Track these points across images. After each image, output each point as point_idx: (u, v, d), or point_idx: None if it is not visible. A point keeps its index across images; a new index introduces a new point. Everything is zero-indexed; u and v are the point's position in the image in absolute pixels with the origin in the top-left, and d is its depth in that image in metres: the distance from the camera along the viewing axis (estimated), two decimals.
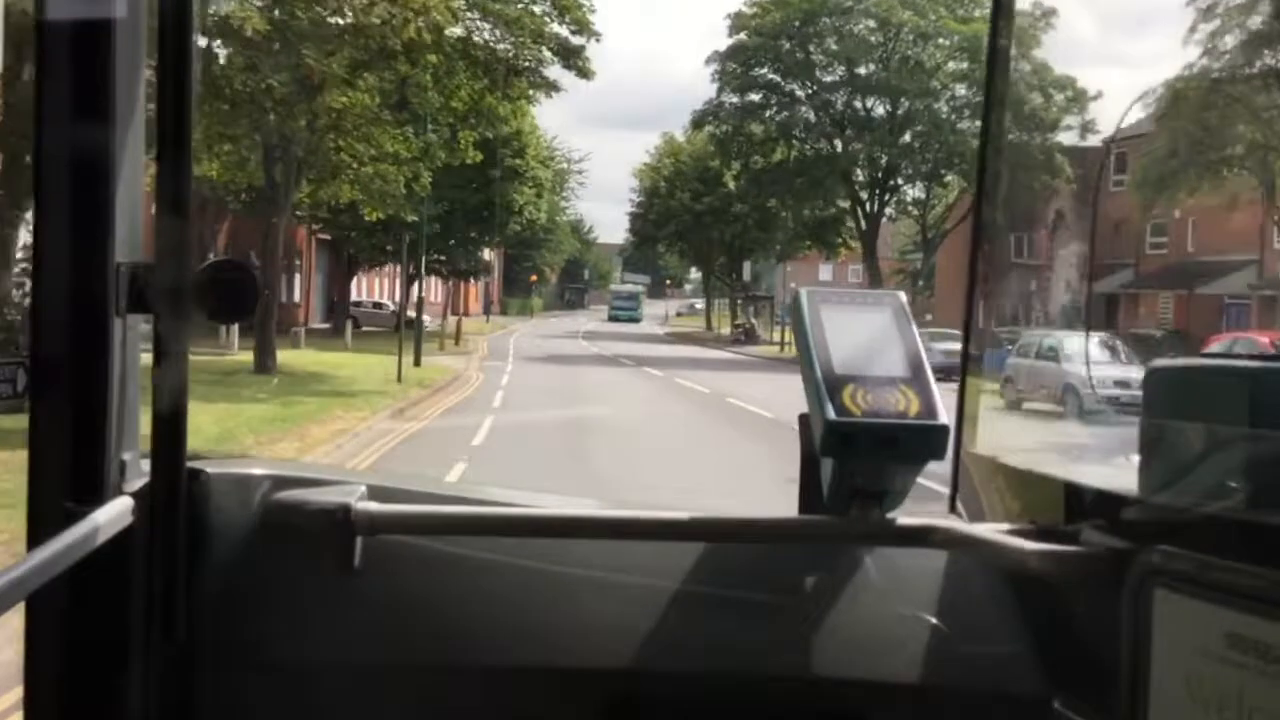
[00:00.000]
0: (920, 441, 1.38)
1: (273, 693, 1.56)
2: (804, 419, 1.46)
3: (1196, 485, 1.29)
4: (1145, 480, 1.36)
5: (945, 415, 1.39)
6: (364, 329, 54.86)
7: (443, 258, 52.72)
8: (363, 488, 1.56)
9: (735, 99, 51.62)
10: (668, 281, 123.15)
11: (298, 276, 54.64)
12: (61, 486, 1.42)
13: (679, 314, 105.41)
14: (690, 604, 1.59)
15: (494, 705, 1.59)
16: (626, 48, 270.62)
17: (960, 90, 45.58)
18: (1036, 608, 1.54)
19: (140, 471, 1.47)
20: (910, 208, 50.74)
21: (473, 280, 76.44)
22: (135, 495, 1.45)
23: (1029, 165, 45.74)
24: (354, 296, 59.62)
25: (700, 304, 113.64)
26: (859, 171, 50.39)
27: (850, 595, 1.60)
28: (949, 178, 48.43)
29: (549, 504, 1.72)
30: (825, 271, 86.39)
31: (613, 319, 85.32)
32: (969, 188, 44.74)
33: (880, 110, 49.62)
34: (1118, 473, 1.44)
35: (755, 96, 51.04)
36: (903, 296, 1.52)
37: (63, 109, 1.41)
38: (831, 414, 1.37)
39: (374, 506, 1.52)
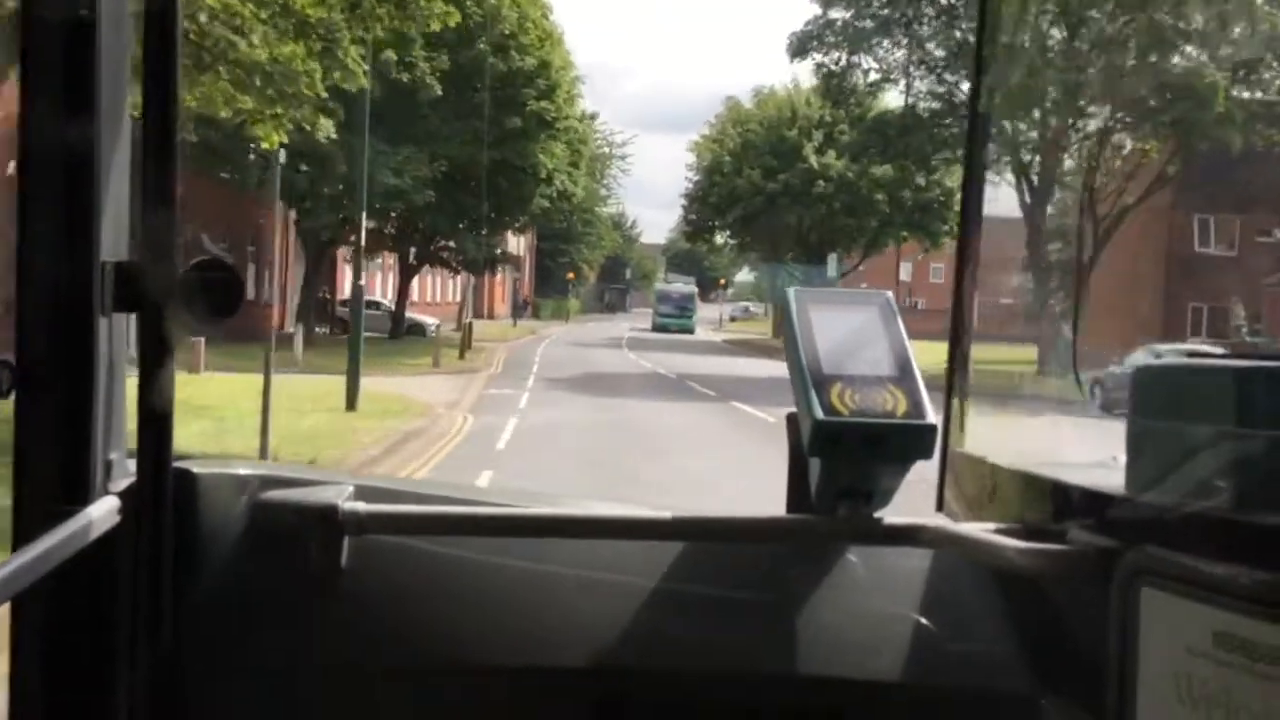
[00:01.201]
0: (908, 441, 1.40)
1: (259, 692, 1.56)
2: (792, 418, 1.48)
3: (1184, 484, 1.26)
4: (1132, 479, 1.32)
5: (933, 414, 1.41)
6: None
7: (451, 244, 40.57)
8: (350, 487, 1.56)
9: (849, 15, 38.69)
10: (721, 282, 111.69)
11: (269, 269, 43.57)
12: (47, 487, 1.42)
13: (733, 318, 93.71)
14: (678, 603, 1.60)
15: (482, 705, 1.59)
16: (668, 48, 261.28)
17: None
18: (1024, 606, 1.55)
19: (126, 471, 1.48)
20: (1068, 176, 37.78)
21: (499, 274, 64.88)
22: (121, 495, 1.45)
23: (1234, 117, 33.74)
24: (348, 293, 48.38)
25: (755, 307, 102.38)
26: (1011, 123, 37.30)
27: (838, 594, 1.61)
28: (1125, 138, 35.47)
29: (537, 504, 1.69)
30: (904, 271, 73.46)
31: (660, 329, 66.13)
32: (1155, 142, 32.53)
33: (1057, 33, 36.48)
34: (1105, 472, 1.38)
35: (881, 9, 37.82)
36: (890, 295, 1.53)
37: (47, 106, 1.40)
38: (820, 413, 1.39)
39: (361, 506, 1.52)
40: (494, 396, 22.84)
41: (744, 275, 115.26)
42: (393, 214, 36.50)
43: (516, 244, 69.92)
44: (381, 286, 50.94)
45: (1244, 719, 1.07)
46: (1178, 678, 1.13)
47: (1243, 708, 1.07)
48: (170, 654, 1.44)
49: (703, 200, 58.05)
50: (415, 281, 55.38)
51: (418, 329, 41.01)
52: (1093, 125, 36.20)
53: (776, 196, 52.47)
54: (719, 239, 66.86)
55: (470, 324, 37.64)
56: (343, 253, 43.27)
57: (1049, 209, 37.47)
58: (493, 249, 42.10)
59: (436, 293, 61.08)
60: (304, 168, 30.77)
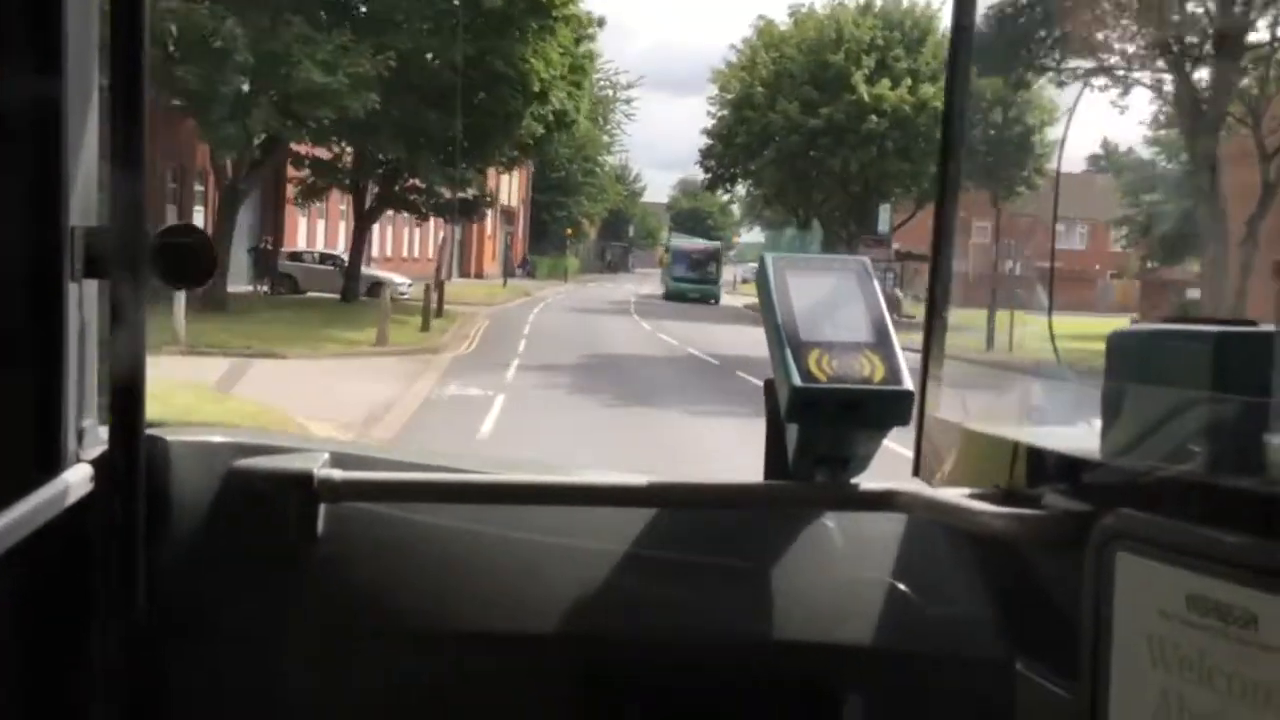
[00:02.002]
0: (885, 407, 1.42)
1: (235, 659, 1.56)
2: (769, 384, 1.49)
3: (1158, 449, 1.29)
4: (1107, 444, 1.35)
5: (909, 380, 1.43)
6: (307, 294, 35.09)
7: (419, 183, 31.88)
8: (326, 455, 1.56)
9: None
10: (736, 238, 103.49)
11: (201, 210, 34.86)
12: (19, 454, 1.41)
13: (745, 280, 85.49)
14: (655, 569, 1.61)
15: (458, 671, 1.59)
16: (669, 4, 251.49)
17: None
18: (999, 571, 1.56)
19: (99, 439, 1.48)
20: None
21: (488, 227, 56.26)
22: (94, 463, 1.45)
23: None
24: (301, 244, 39.90)
25: None
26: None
27: (815, 560, 1.62)
28: None
29: (515, 471, 1.71)
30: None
31: (674, 295, 52.01)
32: None
33: None
34: (1081, 437, 1.40)
35: None
36: (867, 261, 1.54)
37: (13, 69, 1.39)
38: (797, 380, 1.40)
39: (337, 473, 1.53)
40: (445, 405, 14.36)
41: (754, 236, 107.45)
42: (334, 137, 27.71)
43: (508, 193, 61.18)
44: (345, 236, 42.45)
45: (1217, 682, 1.08)
46: (1151, 641, 1.14)
47: (1216, 670, 1.08)
48: (144, 620, 1.45)
49: (727, 140, 49.15)
50: (390, 234, 47.02)
51: (381, 289, 32.39)
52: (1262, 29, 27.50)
53: (818, 135, 43.93)
54: (741, 189, 57.56)
55: (442, 285, 29.17)
56: (289, 190, 34.73)
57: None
58: (468, 185, 33.15)
59: (415, 247, 52.39)
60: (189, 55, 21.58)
